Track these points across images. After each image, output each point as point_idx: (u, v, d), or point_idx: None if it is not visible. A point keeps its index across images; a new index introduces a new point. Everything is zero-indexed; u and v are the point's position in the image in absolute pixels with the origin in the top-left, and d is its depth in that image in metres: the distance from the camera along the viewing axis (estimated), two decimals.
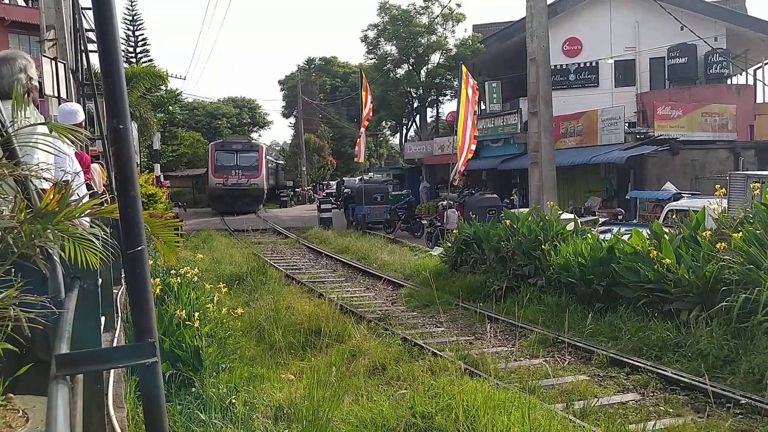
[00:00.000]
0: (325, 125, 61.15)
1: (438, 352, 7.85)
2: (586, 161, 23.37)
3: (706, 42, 23.68)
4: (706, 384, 5.76)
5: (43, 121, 2.78)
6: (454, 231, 14.67)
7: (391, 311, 11.19)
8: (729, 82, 29.83)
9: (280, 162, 57.11)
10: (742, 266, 7.57)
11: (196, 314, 6.42)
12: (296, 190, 52.31)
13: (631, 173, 23.61)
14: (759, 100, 29.41)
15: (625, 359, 7.64)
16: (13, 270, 2.02)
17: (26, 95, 3.22)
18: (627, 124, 24.89)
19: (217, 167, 39.36)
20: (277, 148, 70.05)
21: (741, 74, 30.98)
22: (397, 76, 38.37)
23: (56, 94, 9.64)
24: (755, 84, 30.35)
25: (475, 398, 5.48)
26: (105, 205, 2.39)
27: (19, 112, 2.33)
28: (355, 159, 24.84)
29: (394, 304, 12.06)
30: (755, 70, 31.04)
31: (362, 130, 27.57)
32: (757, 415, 5.91)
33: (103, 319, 3.89)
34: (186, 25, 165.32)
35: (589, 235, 10.88)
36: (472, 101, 18.00)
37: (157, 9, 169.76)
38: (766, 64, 31.24)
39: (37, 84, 3.57)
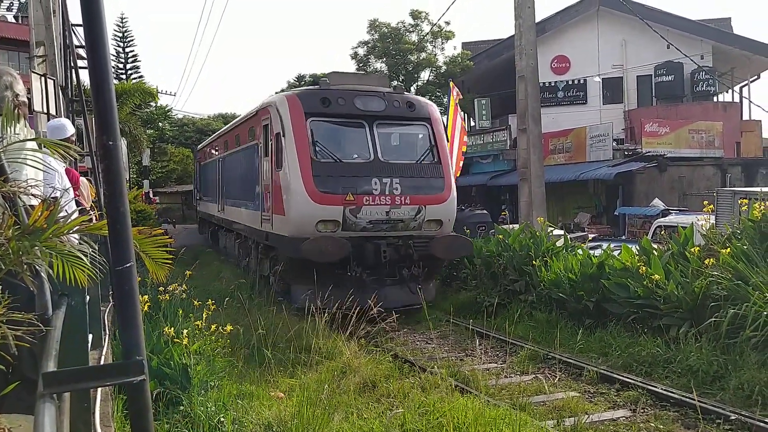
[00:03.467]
0: None
1: (429, 369, 7.82)
2: (575, 177, 23.52)
3: (692, 60, 23.98)
4: (695, 400, 5.77)
5: (33, 136, 2.78)
6: None
7: (381, 327, 11.13)
8: (715, 99, 30.17)
9: None
10: (731, 282, 7.62)
11: (185, 331, 6.38)
12: None
13: (619, 189, 23.78)
14: (745, 117, 29.77)
15: (615, 375, 7.63)
16: (0, 287, 2.00)
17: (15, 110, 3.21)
18: (615, 141, 25.12)
19: (317, 168, 10.81)
20: None
21: (727, 92, 31.37)
22: None
23: (45, 111, 9.61)
24: (741, 101, 30.75)
25: (466, 415, 5.47)
26: (93, 221, 2.38)
27: (8, 129, 2.32)
28: None
29: (384, 320, 12.00)
30: (741, 88, 31.46)
31: None
32: (747, 431, 5.92)
33: (90, 336, 3.86)
34: (177, 42, 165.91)
35: (579, 250, 10.92)
36: (454, 115, 18.09)
37: (148, 24, 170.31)
38: (752, 81, 31.68)
39: (25, 100, 3.55)
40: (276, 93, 12.42)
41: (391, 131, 12.11)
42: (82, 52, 12.76)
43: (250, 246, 14.78)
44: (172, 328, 6.39)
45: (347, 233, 10.61)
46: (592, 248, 11.73)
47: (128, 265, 1.86)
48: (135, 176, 33.46)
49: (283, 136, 11.01)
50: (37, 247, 2.00)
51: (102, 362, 4.38)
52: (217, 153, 20.11)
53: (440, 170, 11.58)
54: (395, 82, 13.27)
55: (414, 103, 12.02)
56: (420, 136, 12.07)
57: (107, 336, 5.40)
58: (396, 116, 11.74)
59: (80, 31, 12.86)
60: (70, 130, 6.04)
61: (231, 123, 19.18)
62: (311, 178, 10.59)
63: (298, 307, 9.46)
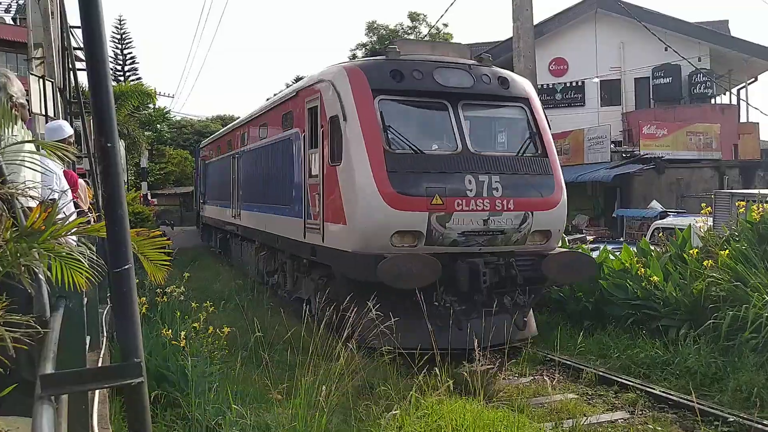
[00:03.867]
0: None
1: (427, 371, 7.81)
2: (573, 179, 23.48)
3: (690, 62, 24.03)
4: (693, 402, 5.77)
5: (31, 138, 2.77)
6: None
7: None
8: (713, 101, 30.23)
9: None
10: (730, 283, 7.63)
11: (183, 333, 6.37)
12: None
13: (617, 191, 23.80)
14: (743, 119, 29.82)
15: (613, 377, 7.64)
16: None
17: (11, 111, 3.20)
18: (613, 143, 25.16)
19: (392, 162, 8.27)
20: None
21: (724, 94, 31.42)
22: None
23: (44, 113, 9.62)
24: (738, 104, 30.78)
25: (465, 418, 5.47)
26: (92, 223, 2.38)
27: (6, 130, 2.32)
28: None
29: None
30: (738, 90, 31.49)
31: None
32: None
33: (88, 338, 3.85)
34: (175, 44, 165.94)
35: (580, 250, 10.93)
36: None
37: (147, 25, 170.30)
38: (749, 84, 31.75)
39: (23, 101, 3.54)
40: (332, 65, 9.47)
41: (481, 114, 9.47)
42: (80, 53, 12.76)
43: (282, 261, 12.12)
44: (170, 330, 6.38)
45: (431, 248, 8.08)
46: (591, 250, 11.75)
47: (126, 267, 1.86)
48: (133, 178, 33.44)
49: (344, 119, 8.45)
50: (35, 249, 2.00)
51: (100, 364, 4.37)
52: (230, 148, 17.31)
53: (547, 165, 9.00)
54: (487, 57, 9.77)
55: (508, 78, 9.39)
56: (517, 120, 9.48)
57: (105, 338, 5.39)
58: (487, 94, 9.11)
59: (78, 32, 12.85)
60: (68, 131, 6.03)
61: (252, 112, 15.74)
62: (385, 174, 8.08)
63: (366, 347, 7.31)
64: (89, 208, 6.43)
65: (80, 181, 6.81)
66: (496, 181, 8.34)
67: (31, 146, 2.56)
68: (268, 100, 16.00)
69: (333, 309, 7.43)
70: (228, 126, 19.92)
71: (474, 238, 8.26)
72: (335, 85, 8.75)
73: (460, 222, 8.14)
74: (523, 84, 9.63)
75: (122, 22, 48.52)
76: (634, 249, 9.91)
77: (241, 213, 15.39)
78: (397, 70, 8.63)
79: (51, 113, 9.92)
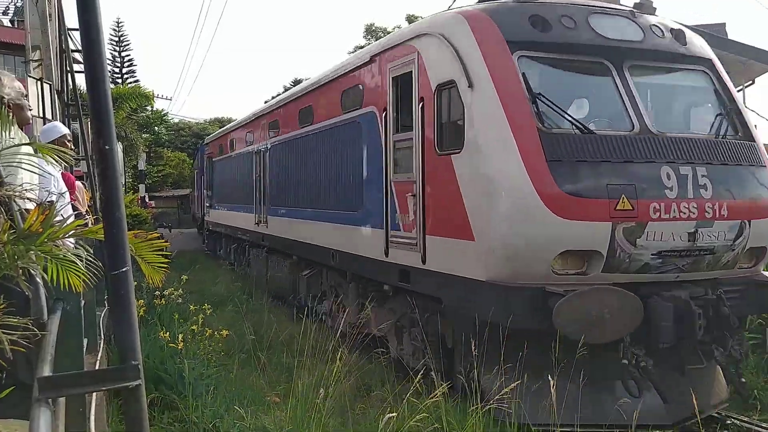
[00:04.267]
0: None
1: (423, 373, 7.79)
2: None
3: None
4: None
5: (27, 141, 2.77)
6: None
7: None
8: None
9: None
10: None
11: (180, 336, 6.37)
12: None
13: None
14: None
15: None
16: None
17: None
18: None
19: (551, 147, 5.48)
20: None
21: None
22: None
23: (41, 115, 9.61)
24: None
25: (463, 419, 5.47)
26: (89, 226, 2.38)
27: (3, 133, 2.32)
28: None
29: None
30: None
31: None
32: None
33: (85, 340, 3.85)
34: (173, 46, 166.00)
35: None
36: None
37: (144, 28, 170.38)
38: (746, 86, 31.83)
39: (20, 102, 3.51)
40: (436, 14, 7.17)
41: (656, 80, 6.80)
42: (78, 56, 12.76)
43: (337, 283, 9.54)
44: (168, 333, 6.38)
45: (611, 276, 5.53)
46: None
47: (124, 269, 1.86)
48: (131, 180, 33.44)
49: (469, 86, 5.84)
50: (32, 252, 2.00)
51: (97, 367, 4.37)
52: (252, 142, 14.31)
53: (756, 153, 6.40)
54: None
55: (684, 32, 6.69)
56: (703, 89, 6.81)
57: (102, 340, 5.38)
58: (662, 52, 6.44)
59: (76, 35, 12.85)
60: (62, 130, 5.99)
61: (287, 95, 12.80)
62: (545, 165, 5.44)
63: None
64: (87, 210, 6.43)
65: (77, 183, 6.80)
66: (702, 176, 5.78)
67: (28, 148, 2.56)
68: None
69: (439, 357, 5.56)
70: (247, 116, 16.07)
71: (673, 260, 5.65)
72: (449, 38, 6.21)
73: (657, 236, 5.52)
74: (701, 41, 6.97)
75: (120, 25, 48.52)
76: None
77: (268, 219, 12.72)
78: (540, 15, 6.06)
79: (49, 116, 9.92)
